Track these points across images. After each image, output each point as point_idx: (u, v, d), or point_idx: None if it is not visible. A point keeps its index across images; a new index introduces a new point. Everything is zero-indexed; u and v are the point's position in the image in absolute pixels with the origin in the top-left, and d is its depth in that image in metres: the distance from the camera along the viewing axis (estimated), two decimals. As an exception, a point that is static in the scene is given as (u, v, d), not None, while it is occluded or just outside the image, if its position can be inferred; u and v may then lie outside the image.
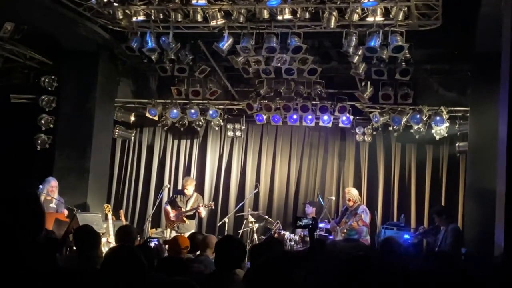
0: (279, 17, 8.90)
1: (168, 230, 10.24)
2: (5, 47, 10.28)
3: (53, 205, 9.56)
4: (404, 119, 10.71)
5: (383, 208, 11.47)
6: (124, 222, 10.05)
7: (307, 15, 8.92)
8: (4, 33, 9.59)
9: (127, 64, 11.80)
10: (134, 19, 9.39)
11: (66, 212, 9.59)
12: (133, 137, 12.86)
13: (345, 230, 9.31)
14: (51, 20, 9.60)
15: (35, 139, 11.53)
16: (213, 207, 10.88)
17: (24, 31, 9.96)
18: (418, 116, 10.53)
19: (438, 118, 10.47)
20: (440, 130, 10.67)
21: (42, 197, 9.52)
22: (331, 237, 9.63)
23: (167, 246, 6.70)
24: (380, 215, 11.02)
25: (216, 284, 4.22)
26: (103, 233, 8.57)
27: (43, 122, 11.58)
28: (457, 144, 10.83)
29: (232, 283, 4.14)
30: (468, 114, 10.11)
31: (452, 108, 10.56)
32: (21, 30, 9.88)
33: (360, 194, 10.43)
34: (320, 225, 9.69)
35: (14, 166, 11.30)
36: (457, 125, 10.62)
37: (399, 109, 10.77)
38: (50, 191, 9.55)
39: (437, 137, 10.81)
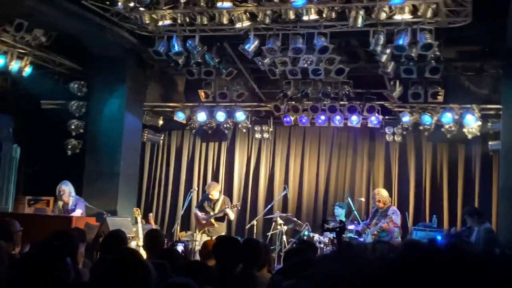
0: (305, 18, 8.82)
1: (199, 233, 10.25)
2: (35, 54, 10.43)
3: (72, 206, 9.67)
4: (435, 118, 10.52)
5: (414, 209, 11.27)
6: (153, 225, 10.08)
7: (333, 15, 8.81)
8: (33, 40, 9.74)
9: (155, 68, 11.89)
10: (160, 23, 9.43)
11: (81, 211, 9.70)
12: (161, 141, 12.93)
13: (375, 232, 9.18)
14: (79, 26, 9.72)
15: (66, 144, 11.67)
16: (239, 207, 10.89)
17: (53, 38, 10.11)
18: (449, 114, 10.33)
19: (470, 116, 10.24)
20: (472, 128, 10.45)
21: (60, 204, 9.68)
22: (361, 239, 9.49)
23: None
24: (411, 216, 10.83)
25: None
26: (132, 237, 8.61)
27: (73, 127, 11.71)
28: (489, 143, 10.58)
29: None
30: (500, 112, 9.89)
31: (484, 106, 10.35)
32: (50, 37, 10.04)
33: (390, 195, 10.26)
34: (350, 226, 9.56)
35: (45, 171, 11.47)
36: (490, 124, 10.39)
37: (429, 108, 10.60)
38: (62, 195, 9.69)
39: (469, 136, 10.59)
